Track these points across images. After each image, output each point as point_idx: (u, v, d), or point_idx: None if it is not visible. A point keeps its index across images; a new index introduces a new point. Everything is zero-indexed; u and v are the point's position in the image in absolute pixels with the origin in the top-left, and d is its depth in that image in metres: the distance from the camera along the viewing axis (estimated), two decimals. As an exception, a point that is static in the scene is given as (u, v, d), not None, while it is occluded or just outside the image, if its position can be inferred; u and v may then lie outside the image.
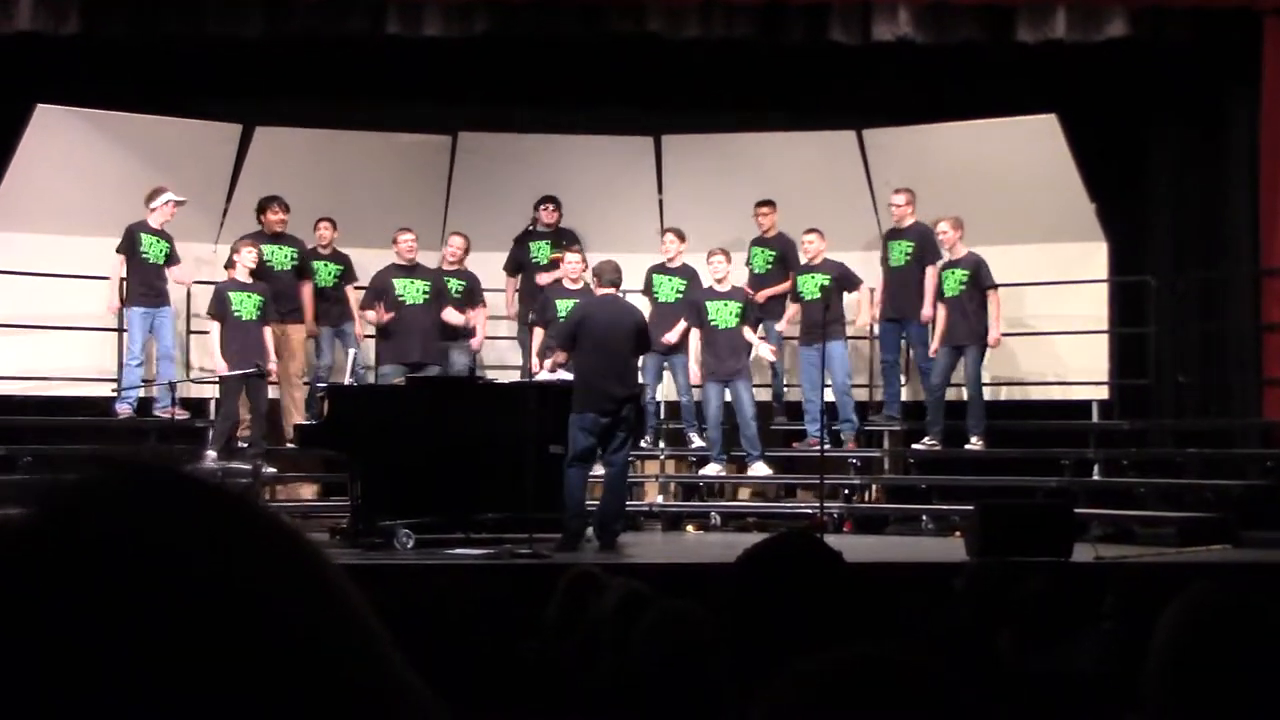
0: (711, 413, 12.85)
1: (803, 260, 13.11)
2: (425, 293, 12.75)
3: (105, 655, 0.63)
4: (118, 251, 12.51)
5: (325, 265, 13.18)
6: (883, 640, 1.27)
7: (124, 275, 12.51)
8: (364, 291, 13.04)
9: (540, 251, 13.40)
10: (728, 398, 12.85)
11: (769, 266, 13.38)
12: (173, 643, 0.64)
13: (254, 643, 0.65)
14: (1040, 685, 4.17)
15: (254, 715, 0.64)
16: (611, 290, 10.86)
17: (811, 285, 12.85)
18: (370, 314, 12.74)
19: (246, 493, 0.73)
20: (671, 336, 12.82)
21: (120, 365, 12.70)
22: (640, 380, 11.37)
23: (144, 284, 12.50)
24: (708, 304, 12.83)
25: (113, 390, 12.51)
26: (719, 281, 12.90)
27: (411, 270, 12.81)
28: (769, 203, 13.36)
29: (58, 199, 12.92)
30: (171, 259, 12.63)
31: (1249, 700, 2.13)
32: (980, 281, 12.62)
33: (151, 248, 12.54)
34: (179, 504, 0.68)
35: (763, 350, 12.83)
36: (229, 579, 0.66)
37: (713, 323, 12.80)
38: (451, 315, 12.83)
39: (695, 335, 12.92)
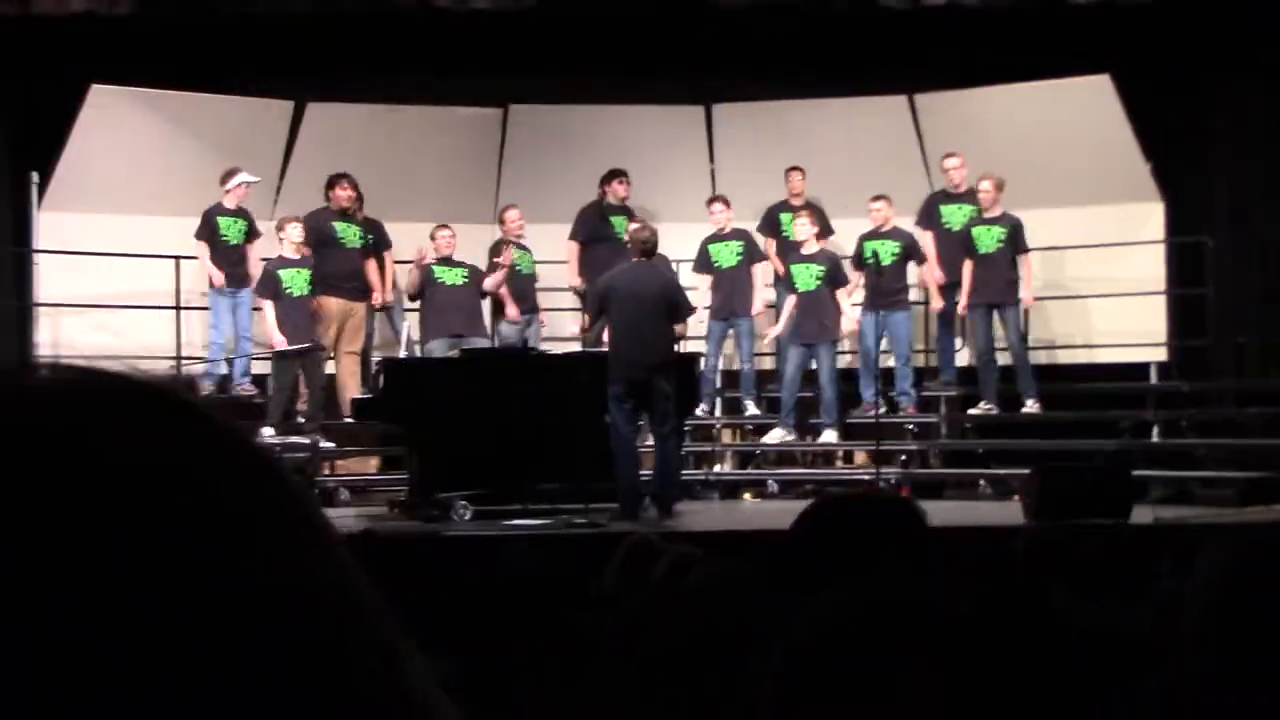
0: (788, 375, 12.75)
1: (871, 227, 13.03)
2: (465, 277, 12.79)
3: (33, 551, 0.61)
4: (197, 238, 12.61)
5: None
6: (904, 580, 1.27)
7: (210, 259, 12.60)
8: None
9: (621, 226, 13.23)
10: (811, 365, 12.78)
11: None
12: (105, 539, 0.61)
13: (196, 542, 0.62)
14: (1093, 644, 4.16)
15: (201, 634, 0.61)
16: (643, 258, 10.83)
17: (884, 252, 12.71)
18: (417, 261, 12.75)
19: (218, 408, 0.71)
20: (755, 305, 12.81)
21: (178, 343, 12.78)
22: (676, 348, 11.19)
23: (225, 267, 12.60)
24: (792, 267, 12.79)
25: (170, 370, 12.58)
26: (803, 243, 12.85)
27: (449, 261, 12.88)
28: (798, 168, 13.30)
29: (113, 179, 13.03)
30: (252, 234, 12.77)
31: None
32: (1017, 244, 12.52)
33: (230, 229, 12.66)
34: (127, 406, 0.66)
35: (849, 318, 12.74)
36: (170, 476, 0.64)
37: (796, 286, 12.75)
38: (490, 282, 12.86)
39: (789, 302, 12.86)
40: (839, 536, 2.40)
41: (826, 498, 2.62)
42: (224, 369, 12.70)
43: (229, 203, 12.68)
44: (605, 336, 11.04)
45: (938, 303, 13.08)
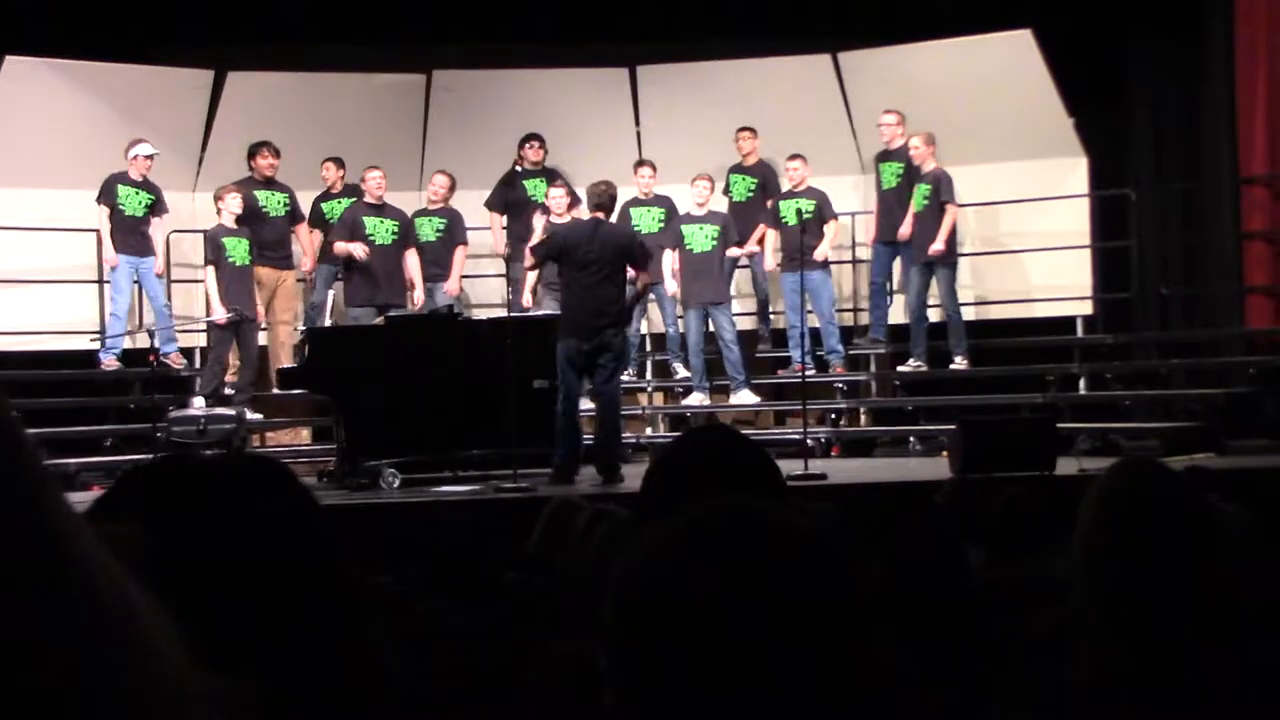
0: (693, 340, 12.82)
1: (785, 186, 13.07)
2: (394, 233, 12.67)
3: None
4: (98, 202, 12.48)
5: (338, 204, 13.10)
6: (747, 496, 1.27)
7: (109, 226, 12.48)
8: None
9: (537, 190, 13.25)
10: (710, 326, 12.84)
11: (750, 194, 13.33)
12: None
13: None
14: (1007, 594, 4.20)
15: None
16: (599, 214, 10.74)
17: (792, 211, 12.78)
18: (352, 248, 12.43)
19: None
20: (666, 270, 12.81)
21: (102, 317, 12.69)
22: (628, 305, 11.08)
23: (123, 234, 12.47)
24: (683, 228, 12.80)
25: (92, 340, 12.48)
26: (699, 205, 12.87)
27: (380, 209, 12.70)
28: (750, 129, 13.28)
29: (30, 152, 12.85)
30: (156, 209, 12.61)
31: (1164, 565, 2.16)
32: (939, 195, 12.56)
33: (128, 200, 12.50)
34: None
35: (734, 250, 12.75)
36: None
37: (688, 247, 12.77)
38: (412, 265, 12.78)
39: (672, 260, 12.89)
40: (695, 466, 2.43)
41: (686, 433, 2.65)
42: (126, 341, 12.53)
43: (133, 173, 12.55)
44: (529, 298, 10.96)
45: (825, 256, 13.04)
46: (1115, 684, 2.14)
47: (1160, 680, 2.11)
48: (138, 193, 12.53)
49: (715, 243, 12.73)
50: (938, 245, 12.42)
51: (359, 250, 12.39)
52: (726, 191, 13.38)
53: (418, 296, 12.73)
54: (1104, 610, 2.18)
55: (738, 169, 13.42)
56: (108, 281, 12.65)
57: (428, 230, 13.04)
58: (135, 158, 12.46)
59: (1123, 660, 2.14)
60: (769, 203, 13.11)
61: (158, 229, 12.67)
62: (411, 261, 12.77)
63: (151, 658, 0.66)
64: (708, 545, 1.19)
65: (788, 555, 1.18)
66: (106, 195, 12.43)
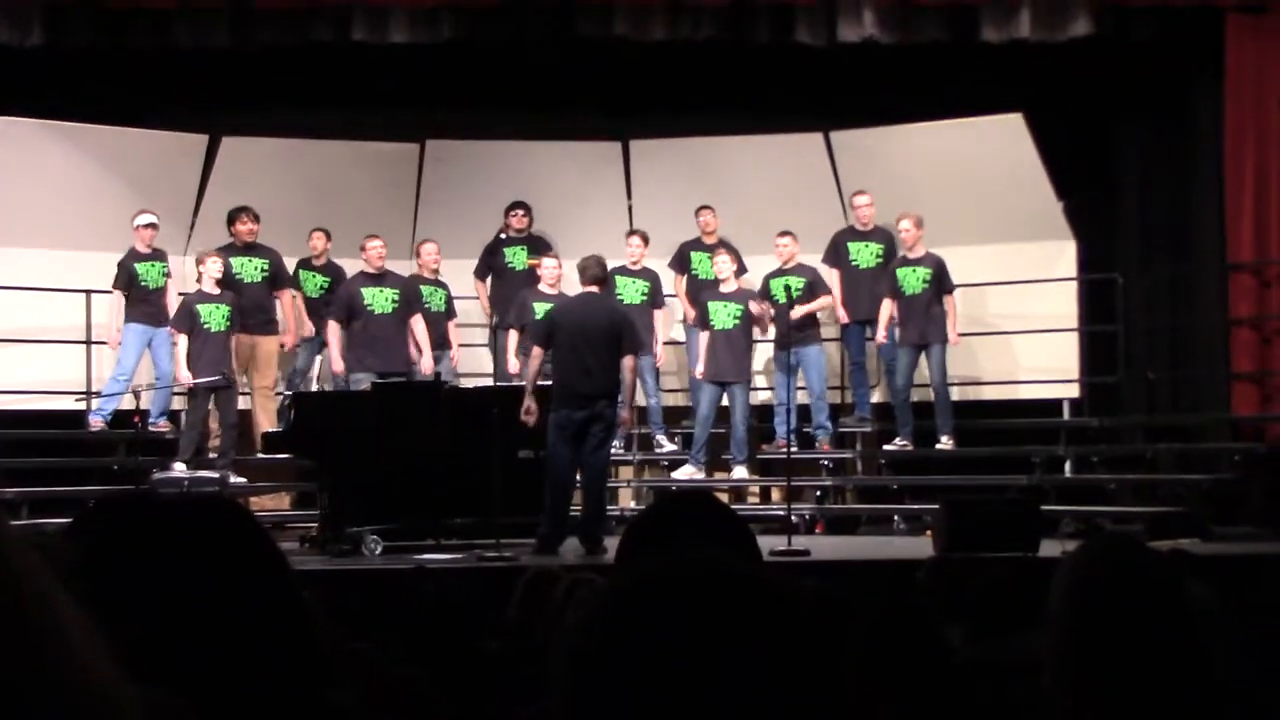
0: (702, 413, 12.79)
1: (777, 264, 13.10)
2: (395, 301, 12.68)
3: None
4: (114, 288, 12.52)
5: (314, 276, 13.13)
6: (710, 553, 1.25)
7: (125, 304, 12.52)
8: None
9: (516, 257, 13.37)
10: (723, 401, 12.81)
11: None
12: None
13: None
14: (986, 671, 4.17)
15: None
16: (593, 288, 10.79)
17: (780, 289, 12.83)
18: (334, 329, 12.56)
19: None
20: (654, 340, 12.85)
21: (89, 377, 12.67)
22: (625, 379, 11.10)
23: (143, 304, 12.55)
24: (709, 304, 12.81)
25: (77, 400, 12.46)
26: (723, 281, 12.89)
27: (380, 279, 12.70)
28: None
29: (24, 212, 12.87)
30: (170, 274, 12.71)
31: (1138, 636, 2.15)
32: (942, 284, 12.61)
33: (148, 274, 12.59)
34: None
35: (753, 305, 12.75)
36: None
37: (712, 324, 12.78)
38: (419, 329, 12.77)
39: (700, 339, 12.88)
40: (668, 529, 2.42)
41: (662, 496, 2.66)
42: (120, 403, 12.52)
43: (140, 246, 12.59)
44: (515, 364, 10.93)
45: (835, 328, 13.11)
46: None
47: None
48: (153, 265, 12.62)
49: (738, 320, 12.73)
50: (953, 337, 12.54)
51: (288, 340, 12.70)
52: (687, 270, 13.40)
53: (425, 363, 12.71)
54: (1073, 680, 2.16)
55: (697, 245, 13.44)
56: (98, 343, 12.65)
57: (437, 300, 13.06)
58: (138, 228, 12.52)
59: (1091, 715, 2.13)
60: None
61: (172, 295, 12.70)
62: (418, 328, 12.74)
63: (71, 660, 0.67)
64: (661, 596, 1.18)
65: (743, 606, 1.17)
66: (124, 278, 12.48)
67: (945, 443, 12.72)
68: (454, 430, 10.74)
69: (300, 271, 13.17)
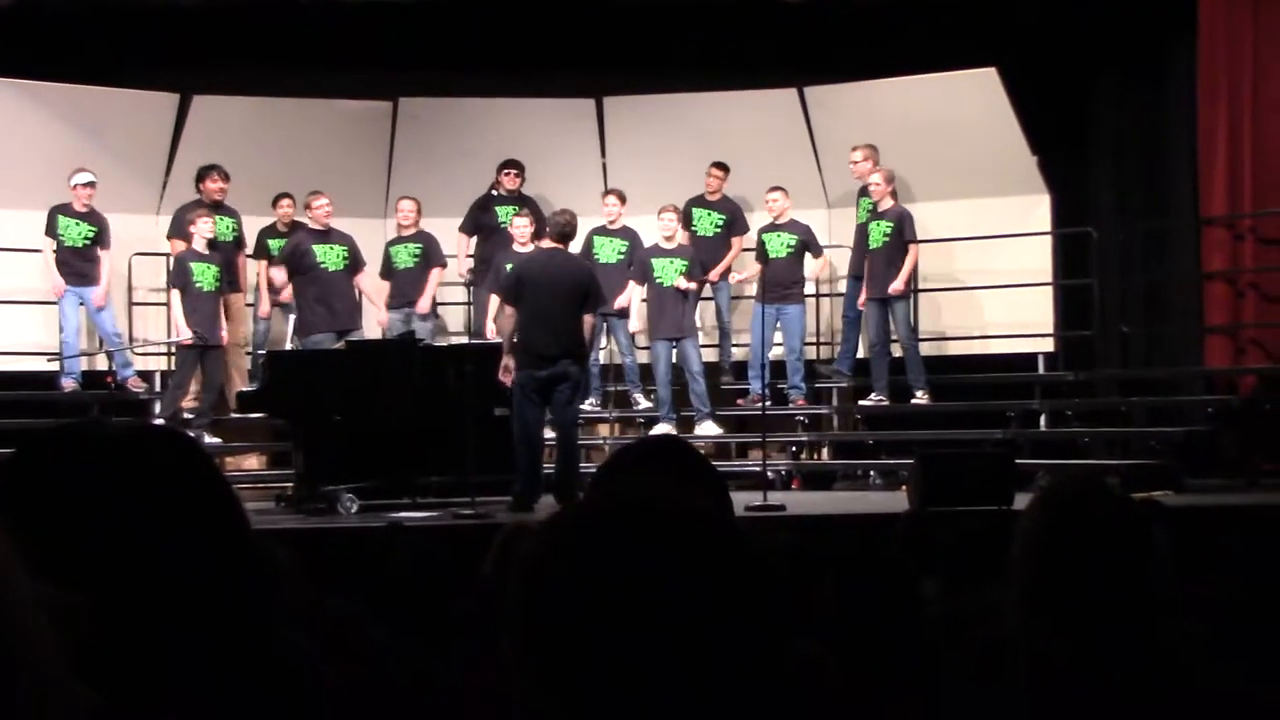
0: (660, 371, 12.81)
1: (766, 219, 13.08)
2: (344, 258, 12.62)
3: None
4: (45, 234, 12.45)
5: (280, 241, 13.07)
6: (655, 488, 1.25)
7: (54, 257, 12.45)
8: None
9: (507, 216, 13.28)
10: (675, 357, 12.83)
11: (717, 230, 13.29)
12: None
13: None
14: (956, 625, 4.19)
15: None
16: (559, 244, 10.74)
17: (779, 245, 12.81)
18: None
19: None
20: (621, 300, 12.81)
21: (61, 339, 12.63)
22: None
23: (66, 264, 12.47)
24: (653, 261, 12.79)
25: (48, 361, 12.41)
26: (667, 239, 12.87)
27: (327, 235, 12.65)
28: (723, 165, 13.27)
29: (-5, 172, 12.80)
30: (99, 241, 12.54)
31: (1098, 572, 2.16)
32: (903, 235, 12.59)
33: (68, 231, 12.49)
34: None
35: (682, 283, 12.68)
36: None
37: (658, 280, 12.77)
38: (368, 285, 12.74)
39: (637, 293, 12.91)
40: (637, 471, 2.42)
41: (633, 441, 2.66)
42: (85, 363, 12.50)
43: (75, 204, 12.50)
44: (492, 327, 10.89)
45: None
46: (1050, 678, 2.14)
47: (1091, 669, 2.11)
48: (78, 224, 12.50)
49: (683, 276, 12.72)
50: (897, 285, 12.47)
51: (280, 281, 12.63)
52: (688, 225, 13.36)
53: (380, 318, 12.70)
54: (1038, 607, 2.18)
55: (700, 203, 13.41)
56: (54, 303, 12.62)
57: (405, 257, 13.05)
58: (75, 187, 12.43)
59: (1055, 655, 2.14)
60: (730, 243, 13.11)
61: (102, 257, 12.59)
62: (366, 284, 12.73)
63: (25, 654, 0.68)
64: (604, 529, 1.17)
65: (685, 538, 1.17)
66: (49, 225, 12.41)
67: (920, 397, 12.74)
68: (428, 388, 10.71)
69: (269, 241, 13.10)
